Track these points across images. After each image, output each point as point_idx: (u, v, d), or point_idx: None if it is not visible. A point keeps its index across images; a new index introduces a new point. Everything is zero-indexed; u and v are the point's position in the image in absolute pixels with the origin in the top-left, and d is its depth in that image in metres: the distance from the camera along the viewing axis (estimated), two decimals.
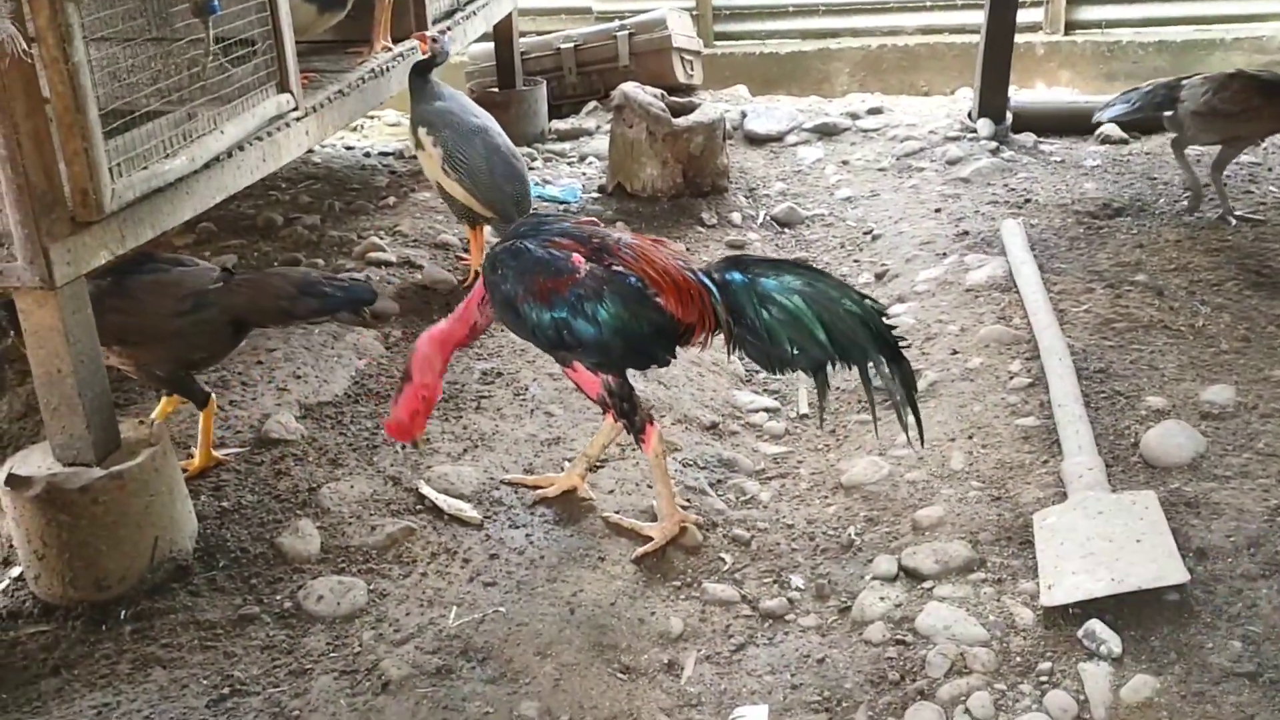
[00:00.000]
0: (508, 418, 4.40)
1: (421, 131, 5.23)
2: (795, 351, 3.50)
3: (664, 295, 3.50)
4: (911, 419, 3.53)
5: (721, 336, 3.58)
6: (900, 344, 3.53)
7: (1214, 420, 4.03)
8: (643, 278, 3.50)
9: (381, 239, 5.91)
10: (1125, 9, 9.39)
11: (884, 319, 3.52)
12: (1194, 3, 9.32)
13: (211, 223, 6.19)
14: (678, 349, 3.66)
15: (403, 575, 3.58)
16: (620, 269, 3.51)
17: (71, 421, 3.42)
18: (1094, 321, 4.75)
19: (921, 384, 4.53)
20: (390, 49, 5.72)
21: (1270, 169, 6.57)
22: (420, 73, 5.35)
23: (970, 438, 4.12)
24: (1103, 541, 3.36)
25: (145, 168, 3.59)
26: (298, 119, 4.61)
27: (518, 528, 3.79)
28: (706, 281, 3.54)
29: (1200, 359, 4.44)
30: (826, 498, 4.06)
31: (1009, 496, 3.79)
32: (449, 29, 6.33)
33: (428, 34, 5.44)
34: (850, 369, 3.53)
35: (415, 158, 6.80)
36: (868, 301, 3.52)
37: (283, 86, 4.51)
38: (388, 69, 5.56)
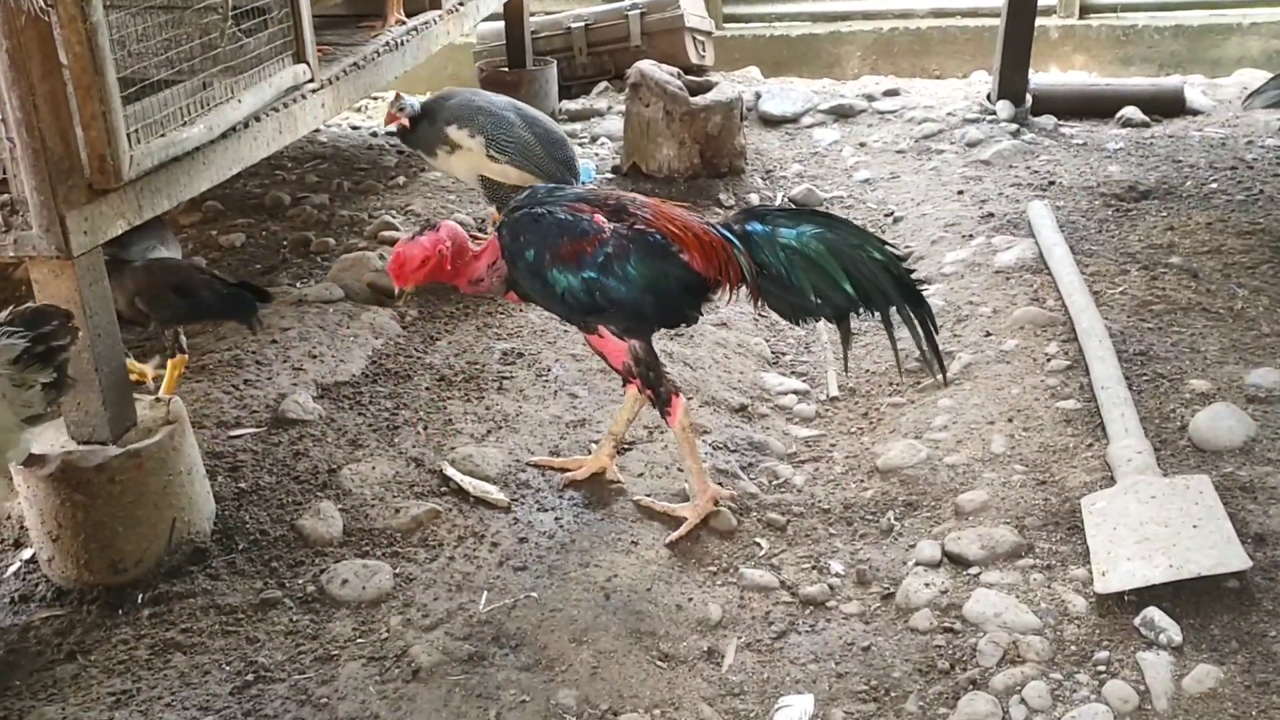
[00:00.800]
0: (531, 399, 4.27)
1: (452, 130, 4.99)
2: (818, 301, 3.48)
3: (687, 250, 3.44)
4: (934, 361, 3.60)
5: (747, 291, 3.54)
6: (920, 287, 3.54)
7: (1261, 404, 3.92)
8: (665, 234, 3.43)
9: (394, 218, 5.77)
10: None
11: (903, 263, 3.52)
12: None
13: (218, 201, 6.06)
14: (703, 307, 3.62)
15: (429, 559, 3.45)
16: (642, 227, 3.44)
17: (87, 398, 3.29)
18: (1130, 304, 4.64)
19: (956, 366, 4.42)
20: (404, 22, 5.58)
21: None
22: (408, 132, 5.14)
23: (1010, 421, 4.00)
24: (1157, 527, 3.24)
25: (163, 135, 3.45)
26: (314, 91, 4.47)
27: (546, 511, 3.67)
28: (728, 235, 3.49)
29: (1241, 342, 4.33)
30: (862, 481, 3.94)
31: (1054, 481, 3.68)
32: (461, 3, 6.20)
33: (391, 108, 5.11)
34: (873, 315, 3.53)
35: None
36: (888, 247, 3.52)
37: (299, 57, 4.37)
38: (402, 43, 5.42)
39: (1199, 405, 3.92)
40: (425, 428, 4.06)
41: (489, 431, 4.06)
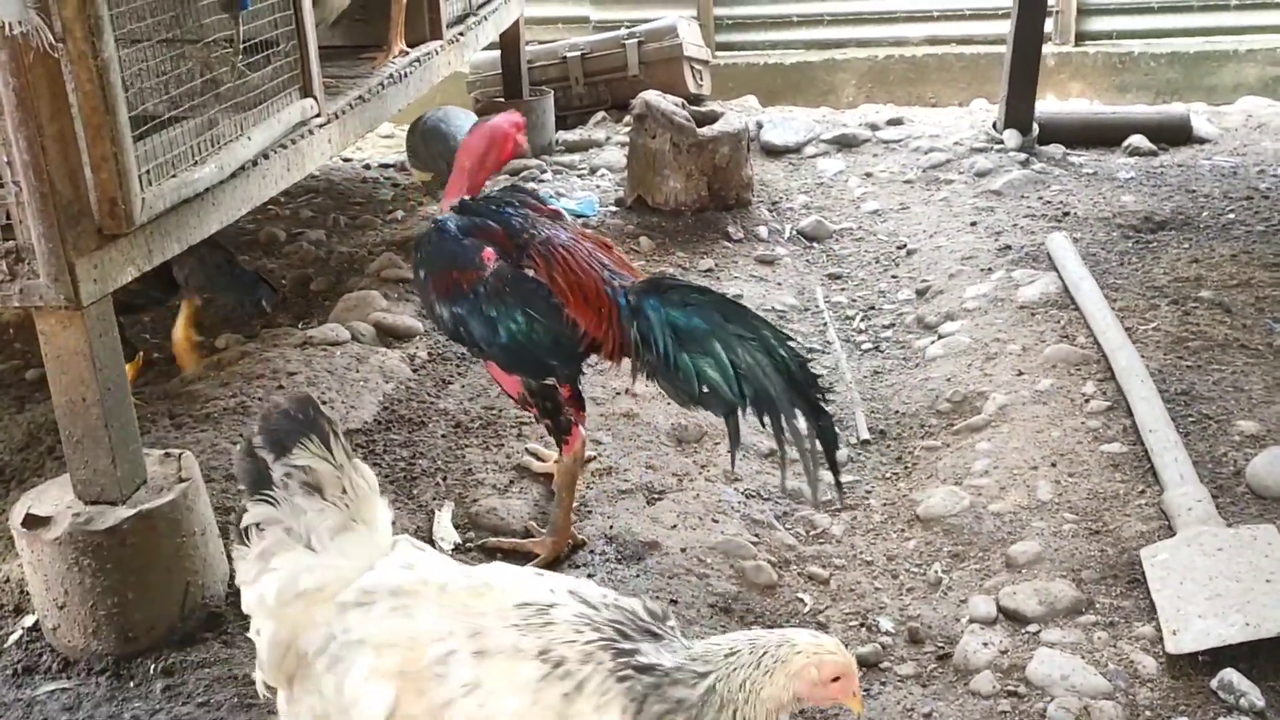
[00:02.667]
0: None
1: None
2: (704, 390, 3.18)
3: (571, 307, 3.26)
4: (832, 479, 3.31)
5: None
6: (824, 397, 3.20)
7: None
8: (550, 286, 3.26)
9: (396, 255, 5.58)
10: (1136, 20, 9.19)
11: (807, 367, 3.18)
12: (1206, 14, 9.12)
13: None
14: (584, 364, 3.48)
15: None
16: (530, 271, 3.28)
17: (95, 455, 3.09)
18: (1165, 340, 4.50)
19: (990, 406, 4.27)
20: (407, 53, 5.42)
21: None
22: None
23: (1054, 466, 3.85)
24: (1228, 581, 3.09)
25: (174, 176, 3.27)
26: (321, 125, 4.30)
27: (577, 567, 3.49)
28: (620, 300, 3.27)
29: None
30: (903, 531, 3.78)
31: (1108, 530, 3.52)
32: (462, 33, 6.05)
33: None
34: (762, 422, 3.17)
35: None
36: (792, 344, 3.20)
37: (306, 91, 4.21)
38: (405, 74, 5.26)
39: (1250, 448, 3.79)
40: (444, 479, 3.88)
41: (511, 481, 3.88)
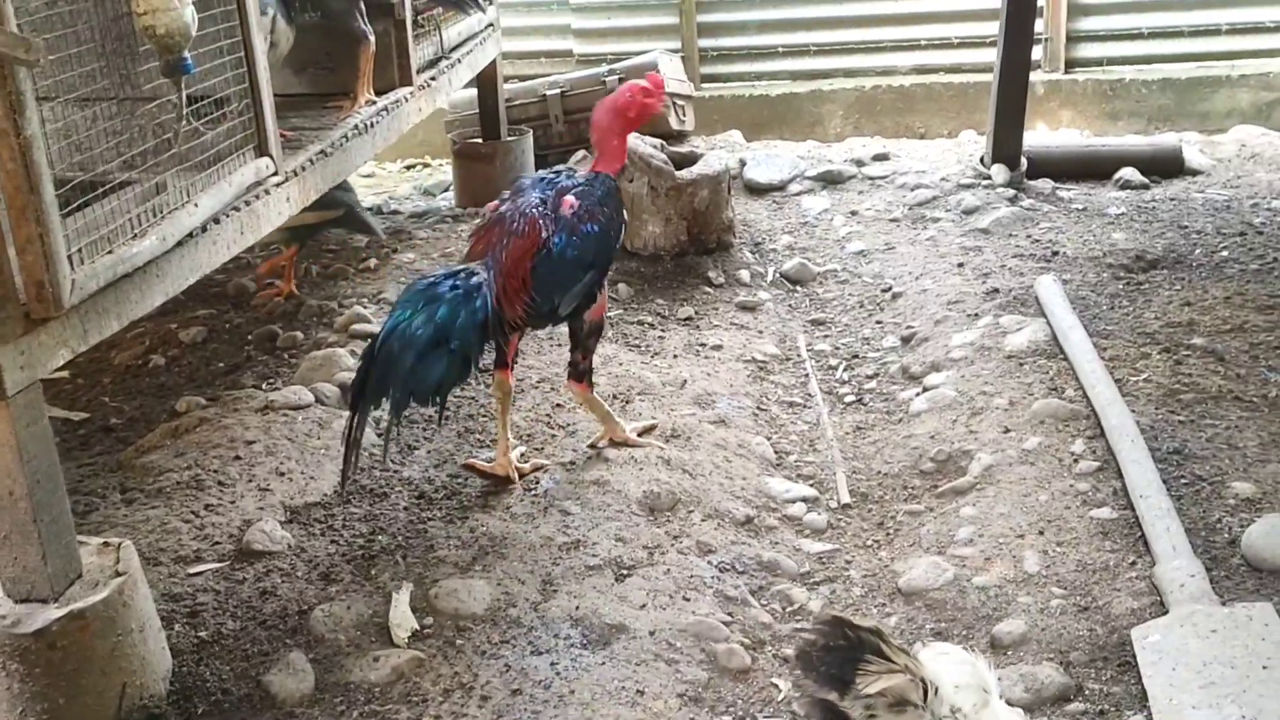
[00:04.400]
0: (519, 518, 3.92)
1: None
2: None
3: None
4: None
5: None
6: (364, 387, 3.68)
7: None
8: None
9: (365, 308, 5.43)
10: (1127, 46, 9.04)
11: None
12: (1197, 39, 8.97)
13: None
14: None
15: (413, 719, 3.09)
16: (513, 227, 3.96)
17: (25, 552, 2.93)
18: (1157, 393, 4.34)
19: (975, 467, 4.11)
20: (375, 102, 5.28)
21: None
22: None
23: (1041, 534, 3.69)
24: (1223, 668, 2.93)
25: (110, 251, 3.12)
26: (278, 185, 4.15)
27: (540, 654, 3.31)
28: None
29: None
30: (884, 605, 3.61)
31: (1097, 607, 3.36)
32: (433, 79, 5.91)
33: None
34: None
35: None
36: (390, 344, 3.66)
37: (262, 150, 4.06)
38: (372, 124, 5.12)
39: (1245, 513, 3.62)
40: (404, 556, 3.71)
41: (474, 559, 3.71)
